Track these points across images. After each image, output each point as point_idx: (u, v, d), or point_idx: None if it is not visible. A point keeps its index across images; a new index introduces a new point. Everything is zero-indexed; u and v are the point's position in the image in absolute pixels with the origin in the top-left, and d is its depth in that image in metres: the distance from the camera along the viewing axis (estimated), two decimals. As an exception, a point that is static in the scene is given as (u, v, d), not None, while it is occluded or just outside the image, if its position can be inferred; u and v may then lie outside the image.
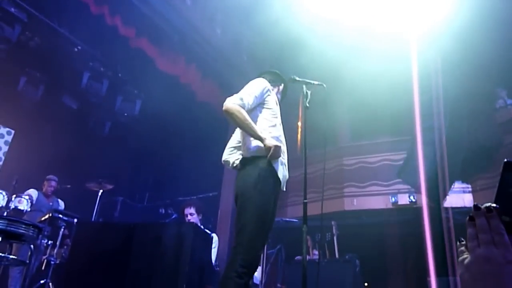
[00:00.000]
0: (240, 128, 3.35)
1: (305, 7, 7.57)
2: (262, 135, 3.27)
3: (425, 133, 7.30)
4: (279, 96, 3.85)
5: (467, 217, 0.97)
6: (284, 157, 3.44)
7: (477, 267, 0.92)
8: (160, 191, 10.69)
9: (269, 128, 3.42)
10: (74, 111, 9.54)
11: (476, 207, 0.96)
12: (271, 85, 3.73)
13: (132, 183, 10.85)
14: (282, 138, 3.52)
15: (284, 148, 3.47)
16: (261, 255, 3.27)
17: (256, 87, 3.50)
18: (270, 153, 3.21)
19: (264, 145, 3.24)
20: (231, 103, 3.31)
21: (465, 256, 0.96)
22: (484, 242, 0.93)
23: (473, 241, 0.95)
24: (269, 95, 3.55)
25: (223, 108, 3.31)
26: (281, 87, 3.89)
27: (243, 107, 3.32)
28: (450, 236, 7.35)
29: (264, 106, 3.51)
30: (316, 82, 3.70)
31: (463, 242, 0.99)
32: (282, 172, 3.36)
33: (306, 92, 3.64)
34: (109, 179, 7.26)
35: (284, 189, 3.45)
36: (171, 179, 10.48)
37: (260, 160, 3.27)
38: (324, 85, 3.72)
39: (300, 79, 3.70)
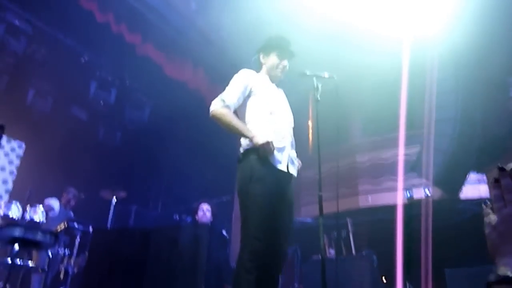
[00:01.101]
0: (228, 131, 3.32)
1: (314, 10, 7.62)
2: (251, 133, 3.24)
3: (438, 125, 7.29)
4: (281, 64, 3.67)
5: (492, 179, 0.97)
6: (283, 141, 3.39)
7: (505, 226, 0.93)
8: (173, 197, 10.69)
9: (262, 115, 3.41)
10: (84, 122, 9.60)
11: (501, 168, 0.96)
12: (265, 55, 3.70)
13: (145, 191, 10.88)
14: (279, 119, 3.47)
15: (284, 131, 3.45)
16: (274, 249, 3.19)
17: (237, 82, 3.47)
18: (262, 151, 3.18)
19: (254, 144, 3.21)
20: (215, 107, 3.32)
21: (491, 217, 0.97)
22: (510, 201, 0.94)
23: (499, 201, 0.96)
24: (255, 82, 3.51)
25: (210, 114, 3.32)
26: (273, 54, 3.69)
27: (228, 107, 3.32)
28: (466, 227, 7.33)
29: (252, 95, 3.47)
30: (326, 75, 3.63)
31: (489, 204, 1.00)
32: (280, 157, 3.32)
33: (317, 85, 3.57)
34: (123, 186, 7.29)
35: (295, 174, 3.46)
36: (184, 185, 10.47)
37: (252, 153, 3.24)
38: (335, 77, 3.65)
39: (310, 73, 3.63)
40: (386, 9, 7.52)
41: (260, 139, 3.18)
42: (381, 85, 7.95)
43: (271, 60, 3.67)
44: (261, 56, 3.73)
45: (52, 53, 8.42)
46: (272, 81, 3.70)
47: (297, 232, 7.68)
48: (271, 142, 3.19)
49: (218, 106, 3.31)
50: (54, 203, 7.19)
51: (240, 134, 3.30)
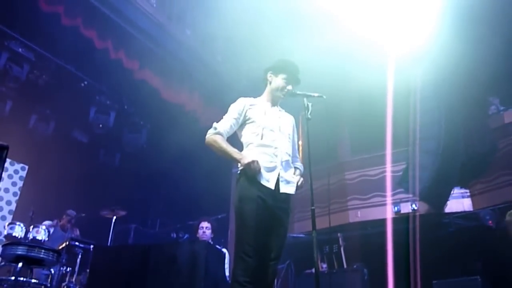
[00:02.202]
0: (220, 155, 3.49)
1: (310, 32, 7.87)
2: (238, 155, 3.41)
3: (423, 142, 7.52)
4: (286, 88, 3.74)
5: None
6: (274, 162, 3.50)
7: None
8: (171, 216, 10.91)
9: (253, 139, 3.56)
10: (84, 145, 9.83)
11: None
12: (273, 75, 3.77)
13: (143, 210, 11.07)
14: (271, 141, 3.55)
15: (277, 152, 3.54)
16: (265, 263, 3.30)
17: (232, 111, 3.65)
18: (248, 170, 3.34)
19: (241, 165, 3.39)
20: (208, 135, 3.51)
21: None
22: None
23: None
24: (250, 108, 3.65)
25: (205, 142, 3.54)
26: (281, 76, 3.75)
27: (219, 134, 3.49)
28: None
29: (247, 121, 3.64)
30: (316, 94, 3.68)
31: None
32: (268, 176, 3.41)
33: (307, 105, 3.59)
34: (122, 206, 7.49)
35: (292, 192, 3.54)
36: (181, 204, 10.70)
37: (243, 174, 3.43)
38: (324, 97, 3.71)
39: (300, 92, 3.67)
40: (373, 27, 7.73)
41: (244, 160, 3.34)
42: (368, 104, 8.17)
43: (278, 81, 3.73)
44: (269, 74, 3.79)
45: (54, 79, 8.60)
46: (274, 102, 3.81)
47: (291, 247, 7.85)
48: (256, 161, 3.34)
49: (210, 134, 3.49)
50: (50, 225, 7.37)
51: (229, 158, 3.46)
